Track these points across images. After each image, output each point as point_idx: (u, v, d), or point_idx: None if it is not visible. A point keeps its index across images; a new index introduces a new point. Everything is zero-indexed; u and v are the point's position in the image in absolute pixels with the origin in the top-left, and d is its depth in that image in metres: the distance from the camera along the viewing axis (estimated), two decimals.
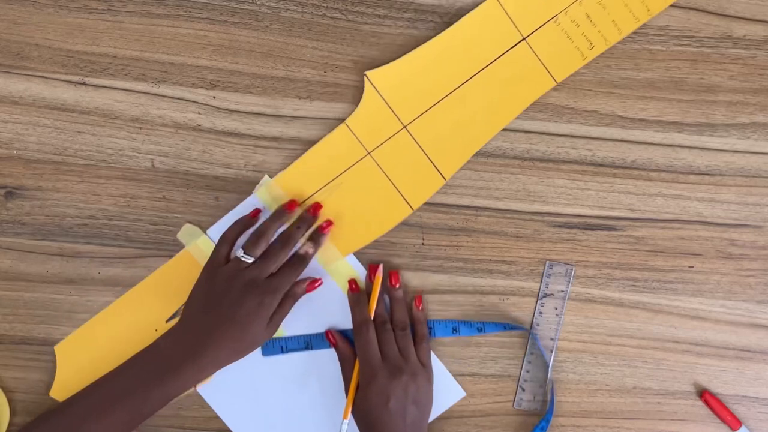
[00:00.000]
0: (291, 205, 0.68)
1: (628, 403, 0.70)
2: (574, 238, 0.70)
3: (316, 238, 0.68)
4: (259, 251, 0.65)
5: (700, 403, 0.70)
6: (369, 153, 0.69)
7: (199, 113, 0.69)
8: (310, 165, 0.69)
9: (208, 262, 0.66)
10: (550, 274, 0.70)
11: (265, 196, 0.69)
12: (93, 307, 0.70)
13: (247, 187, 0.70)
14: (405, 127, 0.68)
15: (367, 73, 0.68)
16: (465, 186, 0.70)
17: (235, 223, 0.68)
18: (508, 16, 0.67)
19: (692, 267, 0.70)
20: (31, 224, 0.70)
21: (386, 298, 0.70)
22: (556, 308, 0.70)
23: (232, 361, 0.64)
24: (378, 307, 0.68)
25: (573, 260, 0.70)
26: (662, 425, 0.70)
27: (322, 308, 0.70)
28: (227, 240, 0.67)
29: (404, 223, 0.70)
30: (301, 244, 0.67)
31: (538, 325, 0.70)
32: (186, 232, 0.69)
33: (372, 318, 0.68)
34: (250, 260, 0.65)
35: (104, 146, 0.70)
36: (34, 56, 0.69)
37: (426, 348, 0.68)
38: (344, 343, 0.69)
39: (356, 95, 0.69)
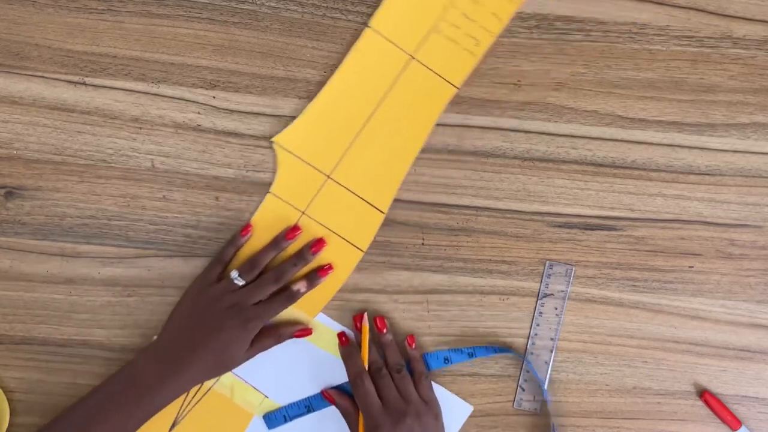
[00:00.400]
0: (290, 233, 0.68)
1: (628, 403, 0.70)
2: (574, 238, 0.70)
3: (311, 279, 0.68)
4: (252, 277, 0.67)
5: (700, 403, 0.70)
6: (303, 213, 0.69)
7: (199, 113, 0.69)
8: (251, 241, 0.69)
9: (197, 279, 0.68)
10: (550, 274, 0.70)
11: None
12: (93, 307, 0.70)
13: (246, 187, 0.70)
14: (329, 177, 0.68)
15: (274, 139, 0.68)
16: (465, 186, 0.70)
17: (229, 244, 0.69)
18: (390, 41, 0.67)
19: (692, 267, 0.70)
20: (31, 224, 0.70)
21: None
22: (556, 308, 0.70)
23: (208, 379, 0.67)
24: (371, 354, 0.68)
25: (573, 260, 0.70)
26: (662, 425, 0.70)
27: (313, 371, 0.70)
28: (222, 261, 0.68)
29: (404, 223, 0.70)
30: (295, 281, 0.68)
31: (538, 325, 0.70)
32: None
33: (367, 367, 0.68)
34: (242, 283, 0.66)
35: (104, 146, 0.70)
36: (34, 56, 0.69)
37: (426, 384, 0.68)
38: (342, 398, 0.69)
39: None
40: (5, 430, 0.69)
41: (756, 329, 0.70)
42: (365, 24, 0.69)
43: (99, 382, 0.66)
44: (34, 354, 0.70)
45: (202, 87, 0.69)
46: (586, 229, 0.70)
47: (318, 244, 0.68)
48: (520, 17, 0.69)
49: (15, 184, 0.70)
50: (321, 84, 0.69)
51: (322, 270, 0.68)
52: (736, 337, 0.70)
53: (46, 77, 0.69)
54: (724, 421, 0.69)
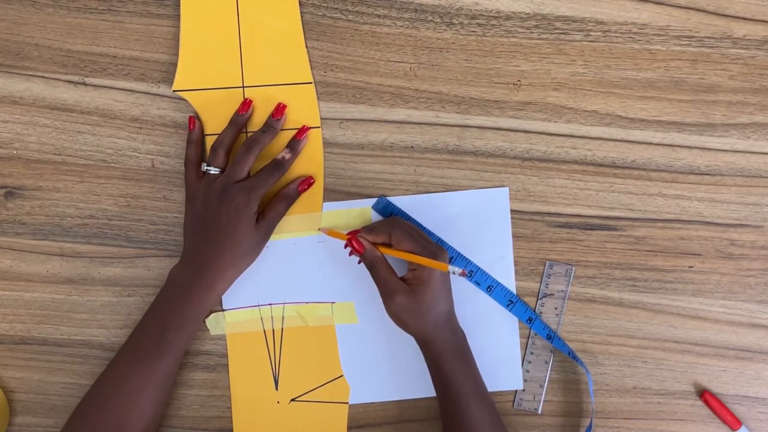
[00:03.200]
0: (242, 107, 0.68)
1: (627, 403, 0.70)
2: (574, 238, 0.70)
3: (293, 145, 0.68)
4: (220, 160, 0.66)
5: (700, 403, 0.70)
6: (246, 133, 0.68)
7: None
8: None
9: (186, 193, 0.67)
10: (550, 274, 0.70)
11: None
12: (93, 307, 0.70)
13: None
14: (243, 87, 0.68)
15: (174, 89, 0.68)
16: (465, 186, 0.70)
17: (187, 142, 0.68)
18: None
19: (692, 267, 0.70)
20: (31, 224, 0.70)
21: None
22: (556, 308, 0.70)
23: (239, 271, 0.66)
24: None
25: (573, 260, 0.70)
26: (662, 425, 0.70)
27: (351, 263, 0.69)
28: (190, 161, 0.68)
29: None
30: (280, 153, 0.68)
31: None
32: (213, 321, 0.69)
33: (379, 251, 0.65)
34: (217, 171, 0.66)
35: (104, 146, 0.69)
36: (34, 56, 0.69)
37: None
38: (370, 245, 0.65)
39: (356, 95, 0.69)
40: (5, 430, 0.69)
41: (756, 329, 0.70)
42: (364, 23, 0.69)
43: None
44: (34, 354, 0.70)
45: None
46: (586, 229, 0.70)
47: (279, 109, 0.68)
48: (519, 17, 0.69)
49: (15, 184, 0.69)
50: (321, 84, 0.69)
51: (299, 133, 0.68)
52: (736, 337, 0.70)
53: (46, 77, 0.69)
54: (724, 421, 0.69)
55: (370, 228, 0.65)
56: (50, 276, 0.70)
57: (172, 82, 0.69)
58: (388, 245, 0.65)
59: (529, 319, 0.69)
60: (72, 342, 0.70)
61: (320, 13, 0.69)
